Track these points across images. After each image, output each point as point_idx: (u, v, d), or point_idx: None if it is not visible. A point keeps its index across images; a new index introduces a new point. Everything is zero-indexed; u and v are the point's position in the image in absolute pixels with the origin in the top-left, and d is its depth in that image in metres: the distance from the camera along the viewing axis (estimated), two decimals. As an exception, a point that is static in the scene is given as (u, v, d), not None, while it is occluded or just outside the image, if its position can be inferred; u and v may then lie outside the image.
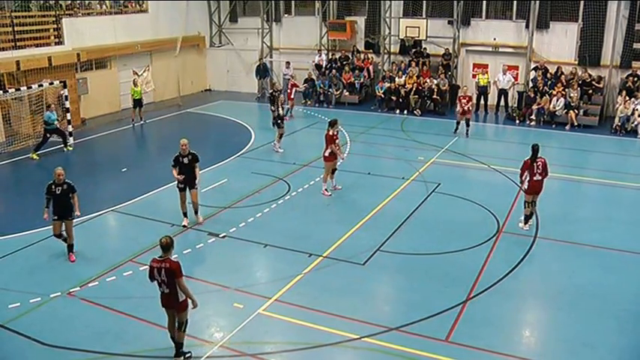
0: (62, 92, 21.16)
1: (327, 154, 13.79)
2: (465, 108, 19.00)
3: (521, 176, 11.84)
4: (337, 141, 13.83)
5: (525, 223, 12.04)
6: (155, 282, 7.77)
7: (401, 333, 8.56)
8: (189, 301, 7.78)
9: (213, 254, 11.28)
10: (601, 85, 21.39)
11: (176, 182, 12.11)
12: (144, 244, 11.32)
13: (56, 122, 17.84)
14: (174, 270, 7.60)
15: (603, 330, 8.67)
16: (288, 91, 23.15)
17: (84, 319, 9.03)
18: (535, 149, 11.68)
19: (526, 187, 11.72)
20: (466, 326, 8.73)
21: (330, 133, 13.72)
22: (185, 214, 12.28)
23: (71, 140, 19.34)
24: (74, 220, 11.03)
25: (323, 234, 11.90)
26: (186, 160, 11.84)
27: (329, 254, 11.02)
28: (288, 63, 25.95)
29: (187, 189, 12.08)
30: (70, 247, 10.98)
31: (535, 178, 11.63)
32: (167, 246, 7.69)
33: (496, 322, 8.93)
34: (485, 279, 10.07)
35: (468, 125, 19.17)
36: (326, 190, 14.08)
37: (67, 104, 20.46)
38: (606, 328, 8.72)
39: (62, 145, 18.35)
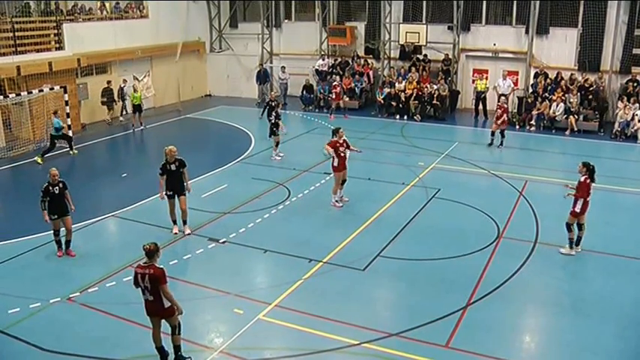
0: (123, 85, 21.94)
1: (335, 164, 13.46)
2: (500, 116, 18.24)
3: (578, 198, 10.90)
4: (342, 148, 13.42)
5: (571, 247, 11.21)
6: (139, 289, 7.74)
7: (401, 339, 8.55)
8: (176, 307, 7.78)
9: (213, 260, 11.25)
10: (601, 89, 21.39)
11: (164, 191, 11.94)
12: (144, 250, 11.29)
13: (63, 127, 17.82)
14: (158, 276, 7.56)
15: (604, 335, 8.65)
16: (335, 91, 23.03)
17: (83, 324, 9.02)
18: (594, 170, 10.99)
19: (578, 209, 10.91)
20: (466, 332, 8.72)
21: (334, 139, 13.46)
22: (175, 222, 12.21)
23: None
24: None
25: (323, 239, 11.89)
26: (173, 167, 11.77)
27: (329, 260, 11.01)
28: (283, 67, 26.00)
29: (176, 196, 11.98)
30: (68, 243, 11.22)
31: (588, 199, 11.06)
32: (151, 252, 7.66)
33: (496, 328, 8.92)
34: (486, 284, 10.06)
35: (503, 136, 18.53)
36: (336, 201, 13.73)
37: (128, 95, 22.12)
38: (607, 332, 8.71)
39: (68, 149, 18.40)
